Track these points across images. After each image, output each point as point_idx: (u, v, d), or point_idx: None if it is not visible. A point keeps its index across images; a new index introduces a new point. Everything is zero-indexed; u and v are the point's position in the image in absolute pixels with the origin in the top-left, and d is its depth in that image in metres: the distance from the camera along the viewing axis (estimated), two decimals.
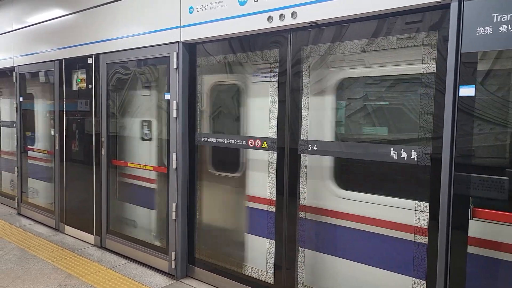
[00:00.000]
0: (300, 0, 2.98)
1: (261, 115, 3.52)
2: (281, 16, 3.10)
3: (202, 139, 3.93)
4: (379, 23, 2.76)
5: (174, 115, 3.97)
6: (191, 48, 3.96)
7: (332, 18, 2.85)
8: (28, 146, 6.44)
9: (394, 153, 2.68)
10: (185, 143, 4.01)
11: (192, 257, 4.09)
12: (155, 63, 4.38)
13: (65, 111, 5.42)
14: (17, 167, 6.55)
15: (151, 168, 4.45)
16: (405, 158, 2.63)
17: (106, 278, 4.06)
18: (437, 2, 2.43)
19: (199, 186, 4.07)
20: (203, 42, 3.83)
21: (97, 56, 4.85)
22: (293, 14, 3.02)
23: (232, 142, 3.67)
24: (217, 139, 3.80)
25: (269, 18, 3.17)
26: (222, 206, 4.03)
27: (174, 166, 4.00)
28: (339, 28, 2.96)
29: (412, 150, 2.61)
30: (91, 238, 5.13)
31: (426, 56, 2.58)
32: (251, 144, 3.52)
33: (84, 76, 5.09)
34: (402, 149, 2.65)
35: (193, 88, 4.00)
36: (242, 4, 3.35)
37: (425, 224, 2.64)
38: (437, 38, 2.52)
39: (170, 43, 3.95)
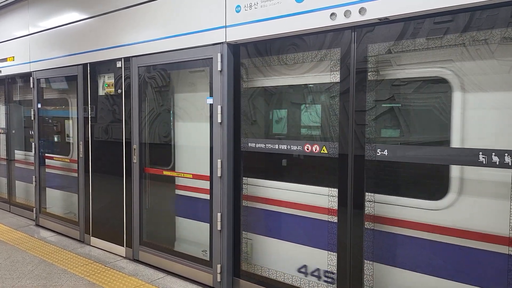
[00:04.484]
0: None
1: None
2: (347, 13, 2.90)
3: (250, 144, 3.71)
4: (471, 16, 2.55)
5: (219, 120, 3.75)
6: (235, 49, 3.76)
7: (414, 12, 2.64)
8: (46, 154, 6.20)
9: (483, 157, 2.48)
10: (230, 149, 3.79)
11: (238, 270, 3.87)
12: (194, 66, 4.17)
13: (90, 117, 5.18)
14: (35, 177, 6.29)
15: (191, 176, 4.22)
16: (497, 163, 2.44)
17: None
18: None
19: None
20: (250, 42, 3.63)
21: (127, 59, 4.62)
22: (362, 10, 2.83)
23: (285, 148, 3.46)
24: (267, 145, 3.58)
25: (332, 15, 2.97)
26: None
27: (219, 174, 3.78)
28: (420, 23, 2.74)
29: (506, 154, 2.41)
30: (121, 250, 4.88)
31: None
32: (307, 149, 3.31)
33: (112, 81, 4.86)
34: (493, 153, 2.45)
35: (238, 91, 3.79)
36: (299, 1, 3.15)
37: None
38: None
39: (214, 44, 3.74)
